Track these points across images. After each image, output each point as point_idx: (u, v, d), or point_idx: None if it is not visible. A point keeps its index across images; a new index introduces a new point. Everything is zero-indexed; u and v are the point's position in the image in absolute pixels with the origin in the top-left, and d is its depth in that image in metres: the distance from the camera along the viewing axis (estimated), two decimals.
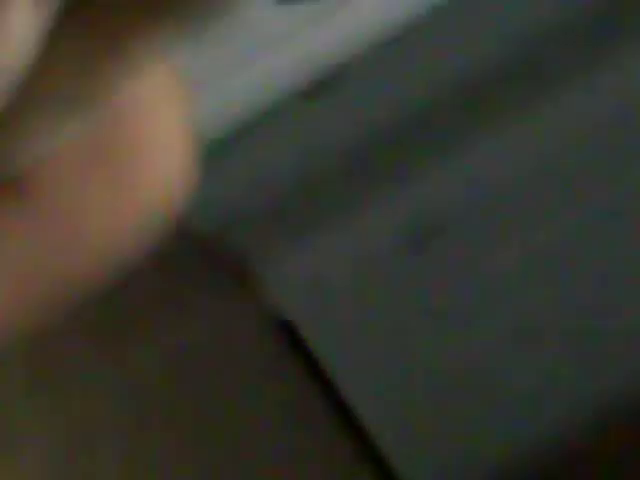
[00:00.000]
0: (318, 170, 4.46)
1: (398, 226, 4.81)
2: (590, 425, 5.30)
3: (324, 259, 5.03)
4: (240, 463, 4.72)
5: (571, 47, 4.31)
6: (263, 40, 3.13)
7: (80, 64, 1.05)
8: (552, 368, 5.17)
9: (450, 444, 5.36)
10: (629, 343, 5.07)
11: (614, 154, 4.70)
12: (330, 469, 5.48)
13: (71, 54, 1.07)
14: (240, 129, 3.47)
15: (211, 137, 3.30)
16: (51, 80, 1.06)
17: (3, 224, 1.24)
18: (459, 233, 4.75)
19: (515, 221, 4.77)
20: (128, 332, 3.96)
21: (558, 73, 4.48)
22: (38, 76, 1.05)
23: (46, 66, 1.05)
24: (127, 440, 3.89)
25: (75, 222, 1.27)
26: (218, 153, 3.54)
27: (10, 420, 2.50)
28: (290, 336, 5.27)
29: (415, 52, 3.68)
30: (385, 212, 4.77)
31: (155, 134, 1.29)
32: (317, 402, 5.59)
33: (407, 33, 3.52)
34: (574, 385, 5.25)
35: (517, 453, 5.30)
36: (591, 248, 4.97)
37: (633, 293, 5.05)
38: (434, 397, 5.28)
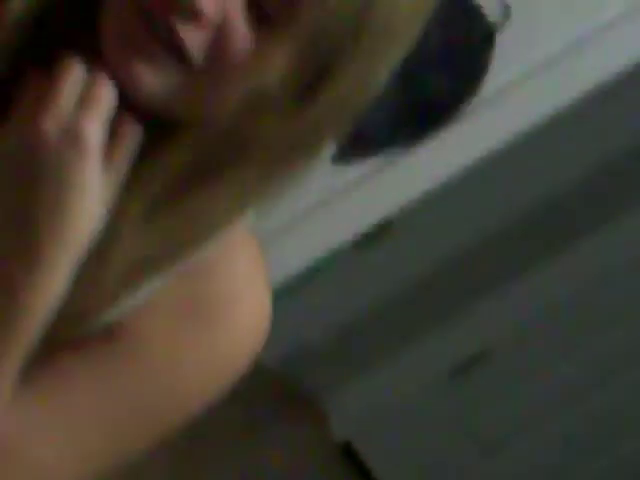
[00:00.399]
0: (373, 311, 4.86)
1: (440, 358, 5.37)
2: None
3: (378, 390, 5.49)
4: None
5: (584, 208, 4.61)
6: (317, 195, 3.09)
7: (162, 230, 1.33)
8: None
9: None
10: None
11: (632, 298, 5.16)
12: None
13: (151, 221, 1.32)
14: (301, 275, 3.52)
15: (275, 285, 3.38)
16: (127, 244, 1.30)
17: (98, 364, 1.41)
18: (494, 363, 5.22)
19: (545, 353, 5.21)
20: (205, 456, 4.15)
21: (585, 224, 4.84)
22: (114, 240, 1.30)
23: (120, 230, 1.30)
24: None
25: (170, 367, 1.44)
26: (284, 297, 3.93)
27: None
28: (352, 458, 5.74)
29: (454, 207, 3.78)
30: (426, 349, 5.31)
31: (240, 288, 1.49)
32: None
33: (451, 188, 3.46)
34: None
35: None
36: (615, 378, 5.35)
37: None
38: None
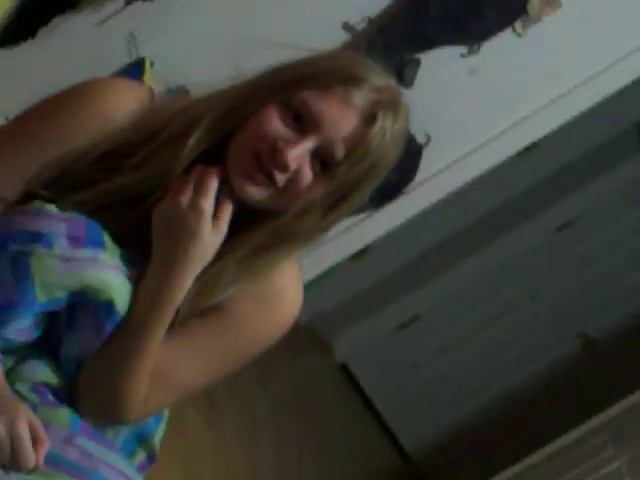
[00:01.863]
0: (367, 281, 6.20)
1: (395, 316, 7.15)
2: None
3: (365, 331, 6.91)
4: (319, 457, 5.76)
5: None
6: None
7: (244, 260, 1.73)
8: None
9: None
10: None
11: None
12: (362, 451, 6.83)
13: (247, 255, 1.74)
14: None
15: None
16: (228, 262, 1.72)
17: (199, 334, 1.79)
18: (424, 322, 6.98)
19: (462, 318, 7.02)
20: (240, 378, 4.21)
21: None
22: (223, 266, 1.72)
23: (226, 261, 1.71)
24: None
25: (246, 330, 1.82)
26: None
27: None
28: (348, 378, 7.02)
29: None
30: (389, 310, 7.11)
31: (287, 286, 1.85)
32: (364, 413, 7.12)
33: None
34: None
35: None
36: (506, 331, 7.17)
37: None
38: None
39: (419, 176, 3.75)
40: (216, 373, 1.83)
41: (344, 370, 6.96)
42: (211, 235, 1.62)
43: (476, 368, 7.07)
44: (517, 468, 5.18)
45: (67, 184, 1.64)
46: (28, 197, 1.64)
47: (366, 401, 7.09)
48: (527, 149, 3.88)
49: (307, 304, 1.89)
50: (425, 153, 3.72)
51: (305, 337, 6.32)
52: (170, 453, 1.99)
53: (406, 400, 7.09)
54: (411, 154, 3.67)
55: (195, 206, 1.59)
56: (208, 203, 1.59)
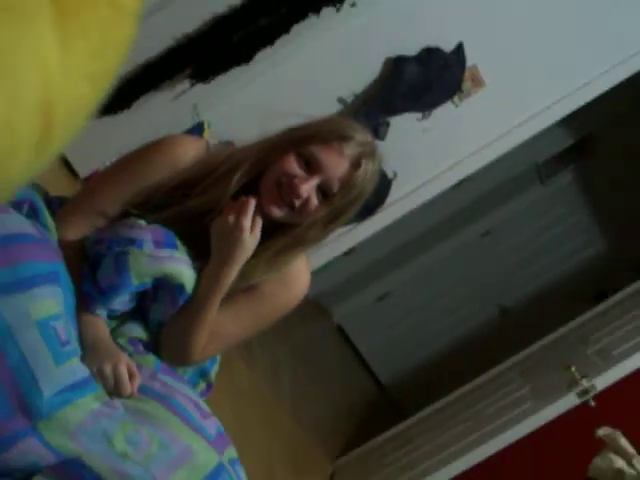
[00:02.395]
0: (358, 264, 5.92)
1: (375, 292, 6.89)
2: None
3: (354, 304, 6.78)
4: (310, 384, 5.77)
5: None
6: None
7: (271, 257, 1.74)
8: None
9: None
10: None
11: None
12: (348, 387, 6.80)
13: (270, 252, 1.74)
14: None
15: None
16: (260, 259, 1.72)
17: (241, 305, 1.78)
18: (393, 297, 6.81)
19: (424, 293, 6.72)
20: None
21: None
22: (256, 262, 1.72)
23: (258, 258, 1.72)
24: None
25: (271, 304, 1.81)
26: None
27: None
28: (342, 334, 6.91)
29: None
30: (375, 288, 6.89)
31: (300, 271, 1.83)
32: (352, 358, 7.01)
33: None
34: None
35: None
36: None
37: None
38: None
39: (388, 200, 3.69)
40: (251, 330, 1.83)
41: (339, 329, 6.96)
42: (249, 241, 1.64)
43: (429, 326, 7.12)
44: (456, 393, 5.14)
45: (151, 206, 1.67)
46: (124, 215, 1.69)
47: (354, 350, 7.08)
48: (460, 182, 3.81)
49: (313, 284, 1.88)
50: (393, 184, 3.66)
51: (312, 307, 6.34)
52: (221, 385, 1.94)
53: (382, 347, 7.08)
54: (383, 185, 3.60)
55: (239, 223, 1.62)
56: (247, 221, 1.62)
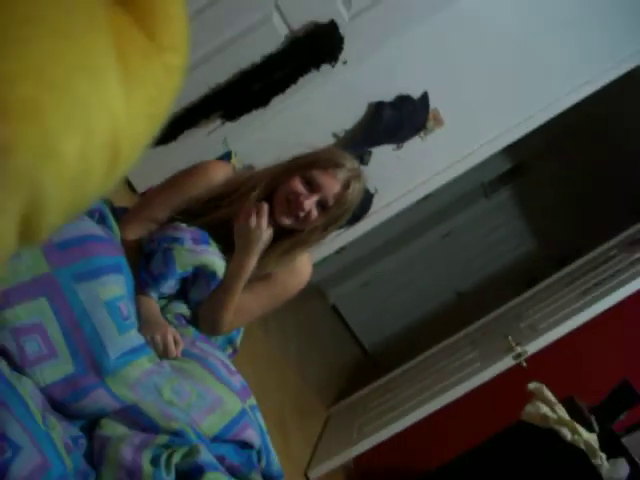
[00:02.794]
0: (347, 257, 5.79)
1: (360, 278, 6.61)
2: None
3: (345, 288, 6.67)
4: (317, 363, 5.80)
5: None
6: None
7: (281, 253, 1.72)
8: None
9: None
10: None
11: None
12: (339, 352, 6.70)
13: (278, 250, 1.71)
14: None
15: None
16: (272, 255, 1.71)
17: (259, 289, 1.76)
18: (375, 283, 6.67)
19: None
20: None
21: None
22: (268, 257, 1.71)
23: (270, 253, 1.71)
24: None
25: (282, 289, 1.79)
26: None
27: None
28: (336, 312, 6.84)
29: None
30: (361, 276, 6.62)
31: (305, 264, 1.79)
32: (343, 330, 6.96)
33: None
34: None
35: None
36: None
37: None
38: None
39: (371, 210, 3.68)
40: (267, 308, 1.81)
41: (334, 308, 6.93)
42: (265, 236, 1.66)
43: (402, 306, 7.06)
44: (423, 356, 5.13)
45: (191, 214, 1.68)
46: (171, 220, 1.70)
47: (345, 323, 7.06)
48: (425, 197, 3.80)
49: (314, 273, 1.88)
50: (374, 198, 3.66)
51: (313, 291, 6.32)
52: (244, 350, 1.93)
53: (365, 320, 7.03)
54: (367, 199, 3.62)
55: (259, 223, 1.64)
56: (264, 221, 1.64)
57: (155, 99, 0.51)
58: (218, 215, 1.68)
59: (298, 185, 1.64)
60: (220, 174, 1.70)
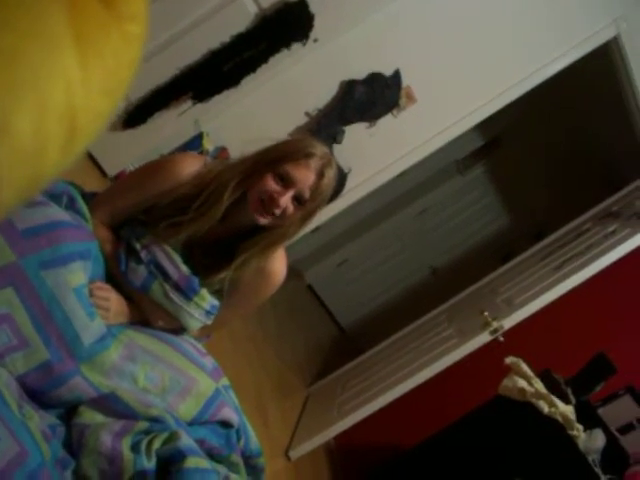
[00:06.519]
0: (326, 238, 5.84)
1: (336, 259, 6.56)
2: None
3: (321, 267, 6.67)
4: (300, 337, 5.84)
5: None
6: None
7: (261, 249, 1.62)
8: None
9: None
10: None
11: None
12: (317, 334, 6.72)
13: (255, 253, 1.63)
14: None
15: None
16: (253, 251, 1.62)
17: (233, 299, 1.70)
18: (350, 264, 6.60)
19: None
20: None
21: None
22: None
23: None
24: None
25: (254, 292, 1.71)
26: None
27: None
28: (315, 294, 6.88)
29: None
30: (336, 256, 6.36)
31: (280, 263, 1.70)
32: (319, 309, 6.98)
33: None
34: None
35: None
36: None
37: None
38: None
39: (345, 189, 3.67)
40: (241, 314, 1.81)
41: (310, 288, 6.96)
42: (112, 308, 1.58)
43: (378, 284, 7.09)
44: (400, 334, 5.13)
45: (155, 214, 1.61)
46: (132, 218, 1.65)
47: (321, 303, 7.09)
48: (400, 174, 3.78)
49: (290, 253, 1.85)
50: (348, 177, 3.64)
51: (289, 271, 6.23)
52: (224, 330, 1.91)
53: (342, 300, 7.06)
54: (341, 178, 3.59)
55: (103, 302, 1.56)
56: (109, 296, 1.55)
57: (114, 70, 0.48)
58: (187, 220, 1.59)
59: (271, 183, 1.57)
60: (190, 169, 1.61)
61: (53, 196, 1.48)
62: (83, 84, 0.45)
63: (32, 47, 0.42)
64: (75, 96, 0.45)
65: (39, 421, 1.25)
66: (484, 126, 4.26)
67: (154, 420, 1.40)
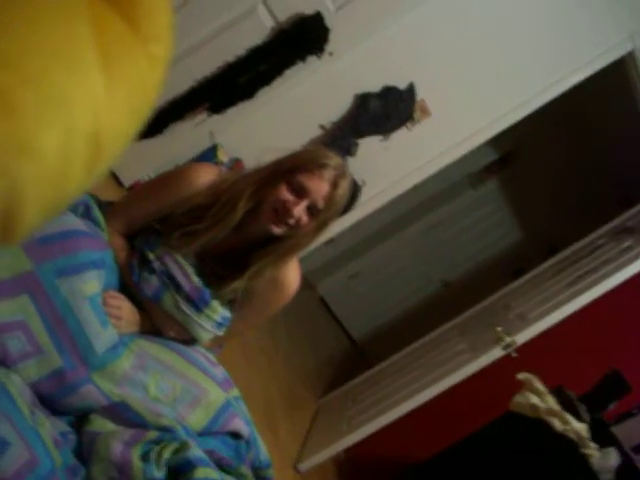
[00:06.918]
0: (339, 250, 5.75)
1: (348, 270, 6.55)
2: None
3: (333, 280, 6.67)
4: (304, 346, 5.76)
5: None
6: None
7: (275, 259, 1.62)
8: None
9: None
10: None
11: None
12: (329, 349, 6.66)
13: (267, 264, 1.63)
14: None
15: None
16: (267, 261, 1.62)
17: (245, 310, 1.70)
18: (362, 276, 6.59)
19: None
20: None
21: None
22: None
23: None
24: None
25: (266, 301, 1.70)
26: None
27: None
28: (326, 306, 6.84)
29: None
30: (350, 268, 6.55)
31: (294, 273, 1.71)
32: (332, 321, 6.95)
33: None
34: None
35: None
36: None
37: None
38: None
39: (359, 202, 3.66)
40: (254, 324, 1.81)
41: (322, 301, 6.94)
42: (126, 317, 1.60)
43: (390, 297, 7.05)
44: (411, 347, 5.11)
45: (170, 223, 1.62)
46: (148, 227, 1.65)
47: (333, 315, 7.06)
48: (413, 188, 3.77)
49: (303, 265, 1.81)
50: (362, 190, 3.64)
51: (303, 283, 6.20)
52: (236, 341, 1.91)
53: (353, 312, 7.01)
54: (354, 191, 3.57)
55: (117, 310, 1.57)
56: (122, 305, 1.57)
57: (138, 92, 0.49)
58: (201, 229, 1.60)
59: (285, 193, 1.57)
60: (206, 179, 1.62)
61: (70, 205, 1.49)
62: (108, 105, 0.46)
63: (59, 69, 0.43)
64: (100, 117, 0.46)
65: (50, 428, 1.26)
66: (498, 140, 4.22)
67: (164, 430, 1.40)
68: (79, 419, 1.39)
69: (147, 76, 0.49)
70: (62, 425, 1.34)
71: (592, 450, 2.87)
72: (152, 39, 0.50)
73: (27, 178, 0.41)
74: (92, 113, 0.45)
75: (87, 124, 0.45)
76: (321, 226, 1.63)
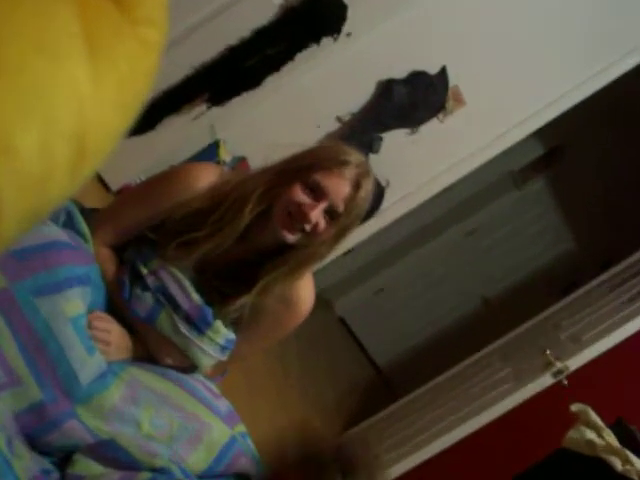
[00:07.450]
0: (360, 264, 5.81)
1: (374, 286, 6.69)
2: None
3: (352, 298, 6.69)
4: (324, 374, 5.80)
5: None
6: None
7: (286, 274, 1.60)
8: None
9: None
10: None
11: None
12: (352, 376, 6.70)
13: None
14: None
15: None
16: (278, 275, 1.60)
17: (251, 330, 1.69)
18: (388, 292, 6.69)
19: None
20: None
21: None
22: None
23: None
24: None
25: (277, 321, 1.70)
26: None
27: None
28: (346, 327, 6.85)
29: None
30: (372, 284, 6.68)
31: (306, 290, 1.69)
32: (353, 345, 6.95)
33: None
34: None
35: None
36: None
37: None
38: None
39: (382, 205, 3.68)
40: (260, 348, 1.83)
41: (342, 321, 6.92)
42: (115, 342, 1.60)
43: (421, 316, 7.05)
44: (444, 375, 5.08)
45: (165, 231, 1.59)
46: (140, 237, 1.64)
47: (354, 338, 7.03)
48: (447, 188, 3.79)
49: (317, 281, 1.78)
50: (387, 192, 3.66)
51: (317, 301, 6.23)
52: (238, 369, 1.91)
53: (378, 335, 7.02)
54: (377, 193, 3.57)
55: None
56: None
57: (128, 81, 0.49)
58: (203, 237, 1.58)
59: (299, 194, 1.55)
60: (205, 181, 1.60)
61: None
62: (95, 98, 0.46)
63: (39, 58, 0.42)
64: (86, 112, 0.46)
65: (31, 463, 1.26)
66: (545, 133, 4.23)
67: (158, 471, 1.39)
68: (62, 459, 1.38)
69: (139, 64, 0.49)
70: (44, 462, 1.33)
71: None
72: (144, 21, 0.50)
73: (3, 183, 0.41)
74: (76, 107, 0.45)
75: (70, 119, 0.45)
76: (341, 233, 1.60)
